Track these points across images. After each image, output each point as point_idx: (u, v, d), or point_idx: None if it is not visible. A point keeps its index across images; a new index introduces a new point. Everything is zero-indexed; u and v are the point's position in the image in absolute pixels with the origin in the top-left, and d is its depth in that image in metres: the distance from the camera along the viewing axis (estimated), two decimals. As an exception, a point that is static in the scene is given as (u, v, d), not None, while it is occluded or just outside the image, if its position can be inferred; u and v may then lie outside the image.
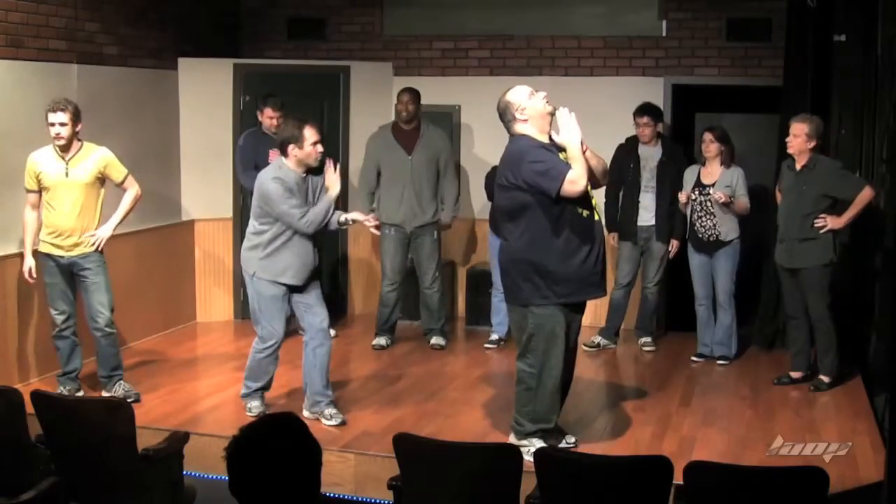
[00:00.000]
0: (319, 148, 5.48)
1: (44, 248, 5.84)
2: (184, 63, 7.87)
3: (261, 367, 5.65)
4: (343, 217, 5.61)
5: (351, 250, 8.47)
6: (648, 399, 6.19)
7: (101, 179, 5.90)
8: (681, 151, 7.37)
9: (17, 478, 4.24)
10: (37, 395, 4.49)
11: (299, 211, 5.42)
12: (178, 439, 4.63)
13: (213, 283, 8.16)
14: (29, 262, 5.87)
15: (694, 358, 7.05)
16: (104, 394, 5.95)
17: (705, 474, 3.76)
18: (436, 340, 7.44)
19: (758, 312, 7.42)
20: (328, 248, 8.07)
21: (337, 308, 8.32)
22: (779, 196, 6.50)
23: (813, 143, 6.19)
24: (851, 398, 6.17)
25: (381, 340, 7.43)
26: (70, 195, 5.78)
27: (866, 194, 6.08)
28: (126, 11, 7.26)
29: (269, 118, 7.21)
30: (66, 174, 5.76)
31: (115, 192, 6.04)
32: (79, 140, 5.82)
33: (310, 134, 5.42)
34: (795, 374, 6.46)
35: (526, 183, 4.85)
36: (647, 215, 7.17)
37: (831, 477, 3.69)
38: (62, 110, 5.69)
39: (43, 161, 5.78)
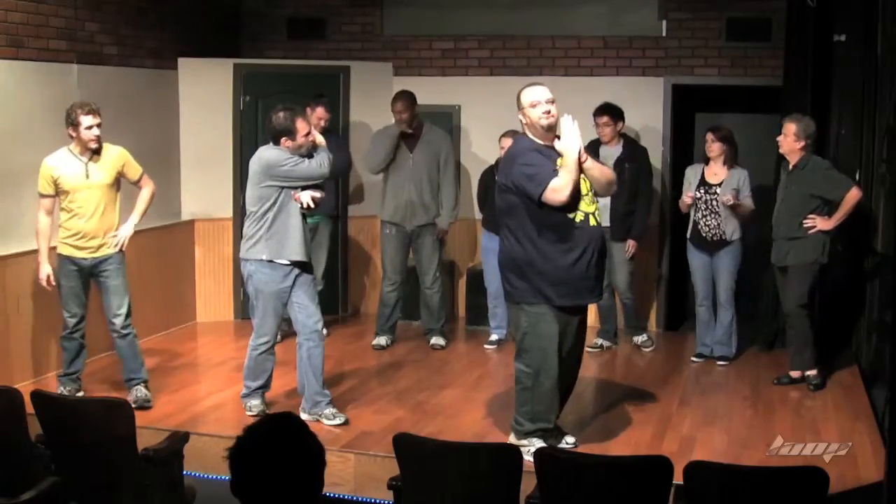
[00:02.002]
0: (311, 137, 5.55)
1: (64, 251, 5.74)
2: (184, 63, 7.87)
3: (258, 364, 5.66)
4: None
5: (351, 250, 8.46)
6: (648, 399, 6.19)
7: (118, 179, 5.86)
8: (643, 151, 7.31)
9: (17, 478, 4.24)
10: (37, 395, 4.50)
11: (304, 160, 5.48)
12: (178, 439, 4.63)
13: (213, 283, 8.15)
14: (46, 269, 5.74)
15: (694, 358, 7.05)
16: (128, 397, 5.88)
17: (705, 474, 3.77)
18: (436, 340, 7.44)
19: (758, 312, 7.42)
20: (328, 247, 8.06)
21: (337, 308, 8.33)
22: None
23: (802, 143, 6.19)
24: (851, 398, 6.17)
25: (382, 340, 7.43)
26: (92, 197, 5.70)
27: (853, 195, 6.08)
28: (126, 11, 7.26)
29: (319, 119, 7.08)
30: (87, 176, 5.69)
31: (126, 192, 6.00)
32: None
33: (302, 126, 5.49)
34: (795, 374, 6.45)
35: (514, 184, 4.92)
36: (604, 215, 6.99)
37: (831, 477, 3.69)
38: (96, 112, 5.63)
39: (60, 165, 5.66)
